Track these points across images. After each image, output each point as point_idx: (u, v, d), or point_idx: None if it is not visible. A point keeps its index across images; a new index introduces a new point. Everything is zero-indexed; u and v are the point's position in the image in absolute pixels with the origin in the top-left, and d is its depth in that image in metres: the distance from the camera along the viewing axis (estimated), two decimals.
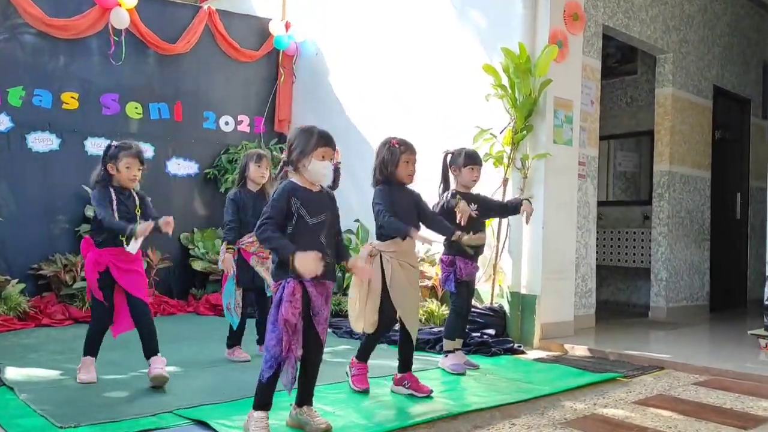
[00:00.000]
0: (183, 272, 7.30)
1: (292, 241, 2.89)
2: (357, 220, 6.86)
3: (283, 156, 3.07)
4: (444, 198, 4.39)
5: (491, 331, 5.30)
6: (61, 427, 3.05)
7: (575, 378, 4.31)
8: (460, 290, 4.42)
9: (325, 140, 3.02)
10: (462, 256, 4.32)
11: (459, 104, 6.12)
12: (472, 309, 5.43)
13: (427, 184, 6.40)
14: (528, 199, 4.59)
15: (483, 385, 4.14)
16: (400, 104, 6.78)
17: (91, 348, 3.93)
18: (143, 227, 3.69)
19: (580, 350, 5.19)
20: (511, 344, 5.19)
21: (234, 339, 4.75)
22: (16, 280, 6.02)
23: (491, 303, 5.52)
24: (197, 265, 7.13)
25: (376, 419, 3.31)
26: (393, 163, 3.74)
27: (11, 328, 5.58)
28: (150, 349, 3.86)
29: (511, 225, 5.53)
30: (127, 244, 3.78)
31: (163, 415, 3.28)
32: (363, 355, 3.86)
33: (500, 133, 5.56)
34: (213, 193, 7.69)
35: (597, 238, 6.91)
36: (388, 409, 3.51)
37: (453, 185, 4.47)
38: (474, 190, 4.53)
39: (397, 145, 3.75)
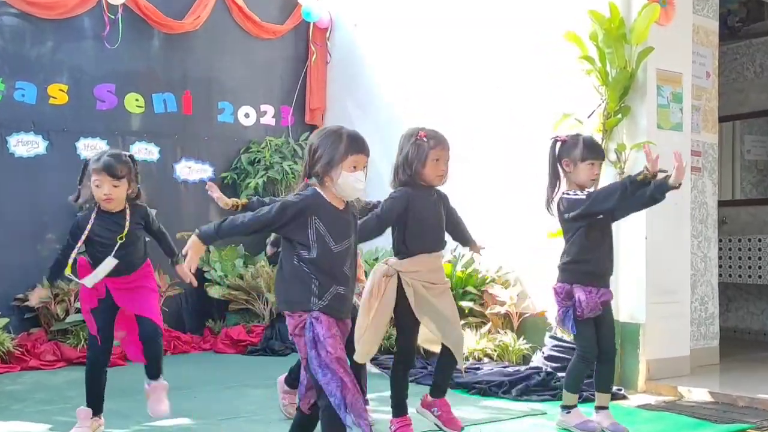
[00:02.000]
0: (197, 301, 7.45)
1: (311, 271, 2.97)
2: None
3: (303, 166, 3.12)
4: (565, 202, 4.19)
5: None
6: None
7: (692, 430, 4.24)
8: (583, 330, 4.22)
9: (358, 146, 3.04)
10: (582, 283, 4.17)
11: (534, 84, 6.07)
12: (560, 343, 5.39)
13: (494, 185, 6.35)
14: None
15: None
16: (458, 86, 6.77)
17: (90, 396, 4.00)
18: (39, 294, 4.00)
19: (698, 394, 5.09)
20: None
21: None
22: None
23: None
24: (214, 292, 7.27)
25: None
26: (420, 160, 3.76)
27: None
28: (153, 369, 4.00)
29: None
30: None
31: None
32: (399, 409, 3.92)
33: (588, 117, 5.50)
34: None
35: (720, 249, 6.74)
36: None
37: (563, 185, 4.30)
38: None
39: (425, 139, 3.76)
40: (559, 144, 4.32)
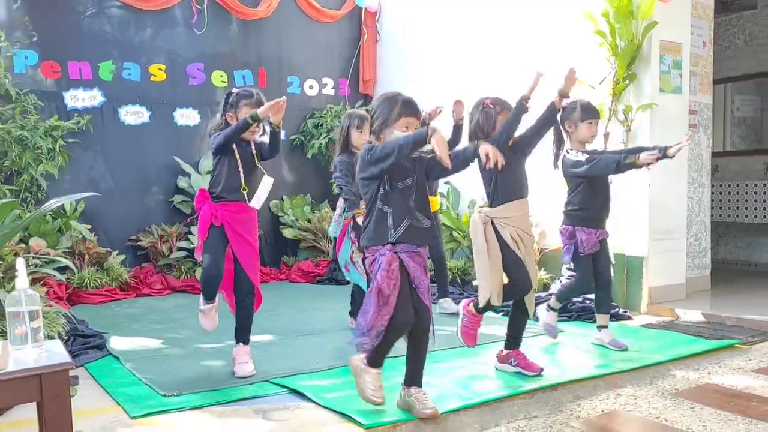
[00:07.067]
0: (274, 240, 7.58)
1: (385, 203, 2.92)
2: (447, 183, 6.86)
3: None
4: (567, 161, 4.13)
5: (594, 296, 5.19)
6: (164, 395, 3.30)
7: (687, 345, 4.19)
8: (582, 264, 4.21)
9: (409, 109, 2.94)
10: (584, 225, 4.14)
11: (554, 56, 5.92)
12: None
13: None
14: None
15: (585, 353, 4.10)
16: (491, 58, 6.65)
17: (209, 291, 3.72)
18: (266, 106, 3.53)
19: (693, 315, 5.03)
20: (616, 309, 5.10)
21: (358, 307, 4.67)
22: (117, 252, 6.47)
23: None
24: (288, 233, 7.38)
25: (473, 389, 3.36)
26: (490, 125, 3.60)
27: (114, 298, 6.03)
28: (239, 331, 3.76)
29: (613, 181, 5.36)
30: (253, 122, 3.57)
31: (261, 384, 3.47)
32: (482, 308, 3.74)
33: (600, 83, 5.37)
34: (300, 160, 7.88)
35: (712, 193, 6.61)
36: (484, 380, 3.55)
37: (567, 143, 4.21)
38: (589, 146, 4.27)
39: (491, 106, 3.60)
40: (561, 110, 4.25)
